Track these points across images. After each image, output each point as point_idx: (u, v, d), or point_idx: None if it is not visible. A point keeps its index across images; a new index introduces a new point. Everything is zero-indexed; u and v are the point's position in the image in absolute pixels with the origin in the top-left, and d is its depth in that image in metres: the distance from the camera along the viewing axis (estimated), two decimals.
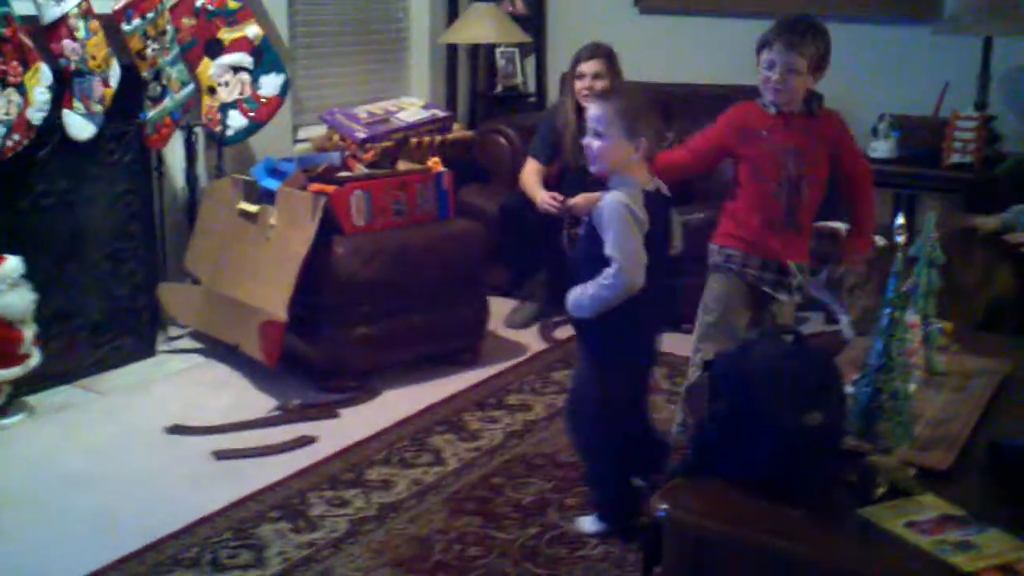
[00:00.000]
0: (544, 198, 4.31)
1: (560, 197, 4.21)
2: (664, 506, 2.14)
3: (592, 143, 2.73)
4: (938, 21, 4.65)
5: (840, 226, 3.37)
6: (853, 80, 4.98)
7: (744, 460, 2.19)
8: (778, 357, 2.32)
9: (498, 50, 5.81)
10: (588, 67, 4.34)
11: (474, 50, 5.82)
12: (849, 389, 2.34)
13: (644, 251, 2.65)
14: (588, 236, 2.73)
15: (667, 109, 4.88)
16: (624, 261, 2.61)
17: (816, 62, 2.97)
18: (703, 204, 4.32)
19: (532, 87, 5.99)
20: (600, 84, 4.30)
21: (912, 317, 2.65)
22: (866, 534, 1.98)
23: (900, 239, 2.44)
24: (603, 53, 4.36)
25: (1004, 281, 3.65)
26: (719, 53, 5.30)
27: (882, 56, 4.94)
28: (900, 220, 2.47)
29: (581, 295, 2.70)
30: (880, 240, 3.65)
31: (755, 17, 5.21)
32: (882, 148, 4.62)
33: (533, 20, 5.87)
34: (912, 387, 2.40)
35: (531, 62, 5.98)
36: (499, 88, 5.86)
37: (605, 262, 2.64)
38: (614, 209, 2.64)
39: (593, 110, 2.75)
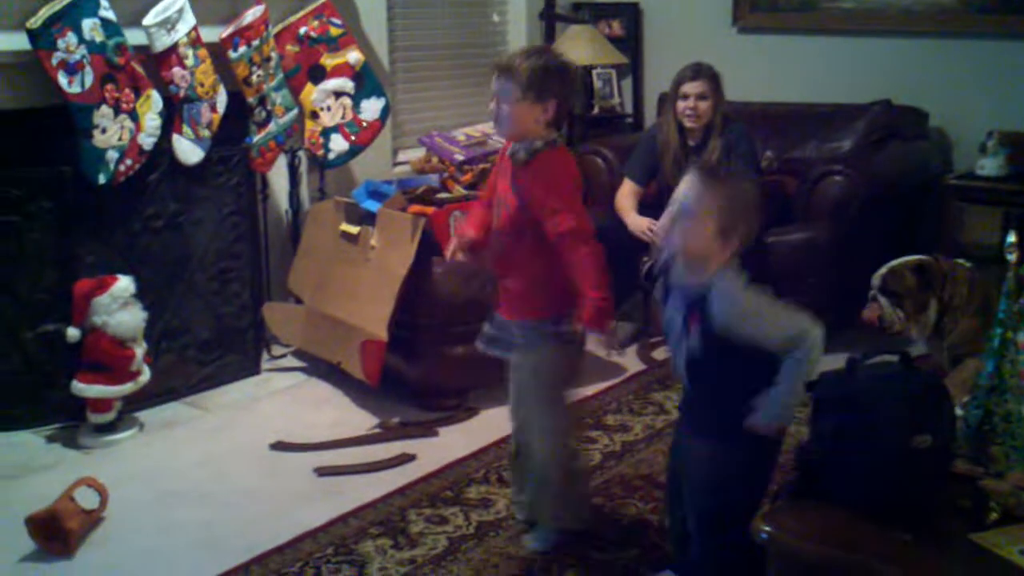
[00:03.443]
0: (641, 226, 4.28)
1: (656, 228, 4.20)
2: (767, 528, 2.11)
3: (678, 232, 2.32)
4: None
5: None
6: (960, 97, 4.90)
7: (850, 482, 2.15)
8: (885, 378, 2.28)
9: (595, 71, 5.83)
10: (692, 88, 4.28)
11: None
12: (958, 411, 2.29)
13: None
14: (705, 333, 2.28)
15: (768, 128, 4.86)
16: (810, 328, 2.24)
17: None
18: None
19: (629, 108, 5.99)
20: (704, 105, 4.25)
21: None
22: (978, 560, 1.93)
23: (1011, 257, 2.37)
24: (707, 74, 4.30)
25: None
26: (817, 72, 5.26)
27: (991, 72, 4.82)
28: (1011, 238, 2.39)
29: (781, 401, 2.23)
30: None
31: (852, 35, 5.17)
32: (990, 165, 4.51)
33: (630, 41, 5.88)
34: None
35: (628, 83, 5.98)
36: (596, 109, 5.87)
37: (742, 353, 2.23)
38: (745, 297, 2.26)
39: (693, 191, 2.31)
